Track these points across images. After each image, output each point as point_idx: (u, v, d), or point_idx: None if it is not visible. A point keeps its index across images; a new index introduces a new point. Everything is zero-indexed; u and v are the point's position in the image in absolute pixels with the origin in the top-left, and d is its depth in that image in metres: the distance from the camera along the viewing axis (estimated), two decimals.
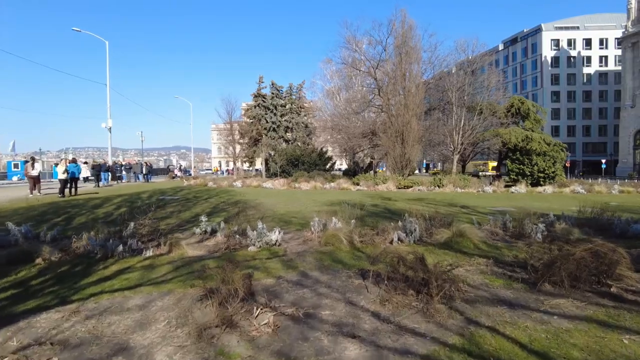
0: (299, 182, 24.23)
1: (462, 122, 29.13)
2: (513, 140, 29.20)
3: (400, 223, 7.97)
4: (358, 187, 22.85)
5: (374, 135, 30.61)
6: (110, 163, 34.15)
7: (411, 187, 23.78)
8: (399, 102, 27.02)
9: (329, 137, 40.82)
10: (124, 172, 29.38)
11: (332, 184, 23.07)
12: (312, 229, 7.93)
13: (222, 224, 7.84)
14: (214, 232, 7.78)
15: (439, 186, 23.97)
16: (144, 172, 27.75)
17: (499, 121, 31.76)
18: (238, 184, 24.46)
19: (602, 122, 74.02)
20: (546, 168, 27.41)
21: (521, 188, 24.20)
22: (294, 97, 48.79)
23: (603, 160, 54.27)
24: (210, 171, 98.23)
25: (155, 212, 11.53)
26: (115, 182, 28.48)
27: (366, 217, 11.02)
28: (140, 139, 46.30)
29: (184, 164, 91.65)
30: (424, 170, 76.64)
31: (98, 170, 23.24)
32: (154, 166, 56.16)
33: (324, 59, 63.30)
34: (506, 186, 25.40)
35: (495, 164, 54.66)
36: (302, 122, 47.55)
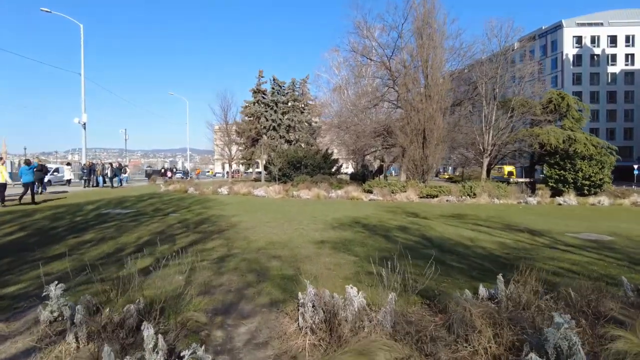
0: (298, 189, 19.81)
1: (494, 119, 24.57)
2: (552, 141, 24.59)
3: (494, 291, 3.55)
4: (371, 196, 18.40)
5: (388, 134, 26.14)
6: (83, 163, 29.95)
7: (436, 196, 19.30)
8: (420, 94, 22.55)
9: (334, 137, 36.36)
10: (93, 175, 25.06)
11: (339, 191, 18.63)
12: (304, 315, 3.45)
13: (81, 308, 3.36)
14: (72, 321, 3.33)
15: (469, 195, 19.48)
16: (109, 174, 23.12)
17: (532, 119, 27.19)
18: (224, 190, 20.09)
19: (628, 125, 69.03)
20: (592, 174, 22.85)
21: (570, 199, 19.67)
22: (296, 93, 44.45)
23: (635, 166, 49.35)
24: (219, 174, 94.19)
25: (66, 240, 7.29)
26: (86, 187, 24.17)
27: (400, 259, 6.52)
28: (124, 138, 42.17)
29: (189, 166, 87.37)
30: (433, 175, 71.71)
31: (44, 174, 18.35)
32: (155, 167, 51.93)
33: (330, 49, 58.50)
34: (551, 196, 20.85)
35: (510, 168, 49.90)
36: (306, 121, 43.17)
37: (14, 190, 17.28)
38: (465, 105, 26.17)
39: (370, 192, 20.24)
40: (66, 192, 20.30)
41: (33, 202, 13.88)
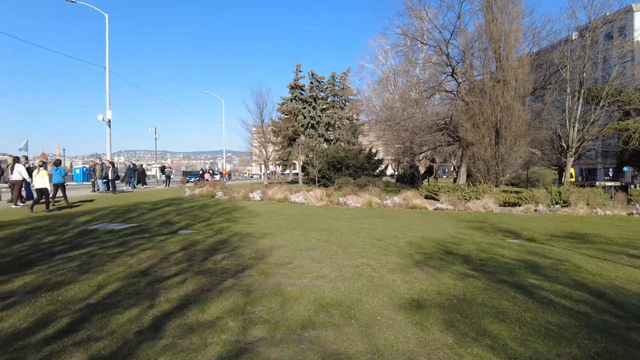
0: (343, 194, 16.34)
1: (579, 111, 20.07)
2: None
3: None
4: (437, 204, 14.62)
5: (454, 129, 22.21)
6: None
7: (518, 204, 15.29)
8: (492, 79, 18.53)
9: (380, 134, 32.62)
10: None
11: (396, 198, 14.96)
12: None
13: None
14: None
15: (560, 204, 15.31)
16: (109, 177, 19.85)
17: (626, 110, 22.41)
18: (256, 195, 16.93)
19: None
20: None
21: None
22: (337, 88, 41.06)
23: None
24: (256, 175, 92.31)
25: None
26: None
27: None
28: (154, 137, 40.22)
29: (228, 167, 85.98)
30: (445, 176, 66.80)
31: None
32: (186, 169, 50.31)
33: (376, 35, 54.13)
34: None
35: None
36: (347, 118, 39.68)
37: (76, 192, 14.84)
38: (550, 93, 21.71)
39: (433, 198, 16.48)
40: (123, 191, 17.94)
41: (47, 208, 12.21)
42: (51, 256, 6.11)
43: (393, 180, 33.49)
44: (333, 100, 41.13)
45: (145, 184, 29.15)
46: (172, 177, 34.14)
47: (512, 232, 9.36)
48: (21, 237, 7.70)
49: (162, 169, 36.55)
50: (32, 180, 13.22)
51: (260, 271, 5.43)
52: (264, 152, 36.86)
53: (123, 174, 27.47)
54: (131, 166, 26.37)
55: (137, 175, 28.83)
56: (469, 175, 23.48)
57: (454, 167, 44.71)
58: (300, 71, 42.23)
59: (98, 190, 20.26)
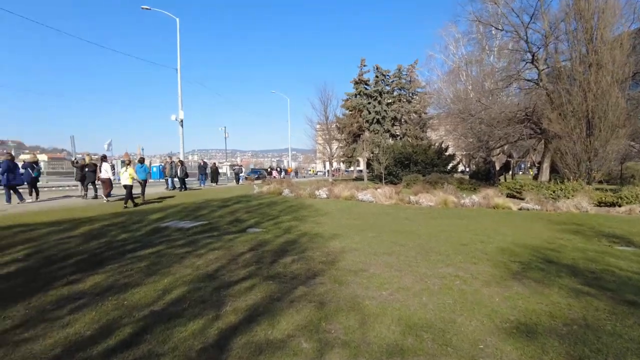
0: (415, 193, 15.40)
1: None
2: None
3: None
4: (522, 203, 13.21)
5: (536, 121, 20.28)
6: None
7: (618, 204, 13.38)
8: (583, 63, 16.50)
9: (451, 128, 30.87)
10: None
11: (475, 196, 13.73)
12: None
13: None
14: None
15: None
16: (178, 175, 20.40)
17: None
18: (322, 193, 16.54)
19: None
20: None
21: None
22: (403, 81, 39.63)
23: None
24: (320, 172, 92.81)
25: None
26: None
27: None
28: (224, 135, 41.51)
29: (293, 165, 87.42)
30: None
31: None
32: (248, 167, 51.65)
33: (446, 24, 51.64)
34: None
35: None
36: (414, 112, 38.15)
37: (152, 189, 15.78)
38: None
39: (516, 197, 14.99)
40: (192, 188, 18.88)
41: (125, 204, 12.76)
42: (123, 255, 6.07)
43: (466, 177, 31.58)
44: (399, 94, 39.75)
45: (217, 181, 30.11)
46: (241, 174, 35.07)
47: (620, 238, 7.99)
48: (99, 233, 7.88)
49: (232, 167, 37.86)
50: (112, 177, 14.07)
51: (333, 278, 4.90)
52: (329, 149, 36.54)
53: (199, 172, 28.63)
54: (201, 164, 27.28)
55: (211, 173, 29.93)
56: (552, 171, 21.33)
57: (533, 162, 41.36)
58: (364, 65, 41.34)
59: (168, 188, 21.10)
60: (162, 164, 28.12)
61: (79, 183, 15.49)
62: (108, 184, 14.45)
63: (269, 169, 56.13)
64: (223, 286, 4.57)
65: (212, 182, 29.50)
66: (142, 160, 16.12)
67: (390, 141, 37.58)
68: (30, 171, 13.40)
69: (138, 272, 5.11)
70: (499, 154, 33.08)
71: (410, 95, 39.83)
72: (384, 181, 26.85)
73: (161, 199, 15.83)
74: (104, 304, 3.98)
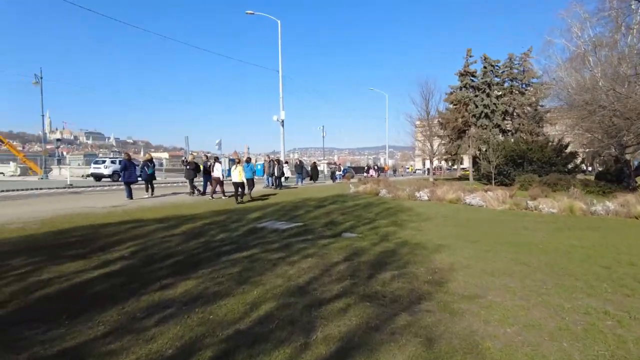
0: (533, 197, 13.52)
1: None
2: None
3: None
4: None
5: None
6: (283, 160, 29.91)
7: None
8: None
9: (574, 122, 27.06)
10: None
11: (608, 203, 11.50)
12: None
13: None
14: None
15: None
16: (275, 173, 20.83)
17: None
18: (423, 194, 15.41)
19: None
20: None
21: None
22: (515, 71, 35.97)
23: None
24: (419, 170, 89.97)
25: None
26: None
27: None
28: (322, 135, 41.87)
29: (390, 162, 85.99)
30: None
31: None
32: (350, 165, 51.75)
33: (569, 4, 45.60)
34: None
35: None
36: (528, 104, 34.36)
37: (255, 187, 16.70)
38: None
39: None
40: (290, 187, 19.86)
41: (239, 201, 13.78)
42: (218, 257, 5.97)
43: (590, 178, 27.50)
44: (511, 86, 36.17)
45: (317, 179, 30.46)
46: (339, 173, 35.20)
47: None
48: (199, 232, 8.04)
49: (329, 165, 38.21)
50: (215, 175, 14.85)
51: (442, 305, 4.12)
52: (429, 146, 34.72)
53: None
54: (298, 163, 27.71)
55: (310, 171, 30.45)
56: None
57: None
58: (470, 56, 38.45)
59: (266, 186, 21.72)
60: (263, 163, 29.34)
61: (187, 180, 16.62)
62: (218, 182, 15.41)
63: (366, 167, 55.62)
64: (314, 304, 4.08)
65: (311, 180, 29.95)
66: (248, 160, 17.03)
67: (501, 137, 34.40)
68: (146, 169, 14.64)
69: (229, 280, 4.88)
70: (634, 152, 28.17)
71: (524, 86, 36.01)
72: (493, 182, 24.53)
73: (265, 196, 16.38)
74: (189, 317, 3.74)
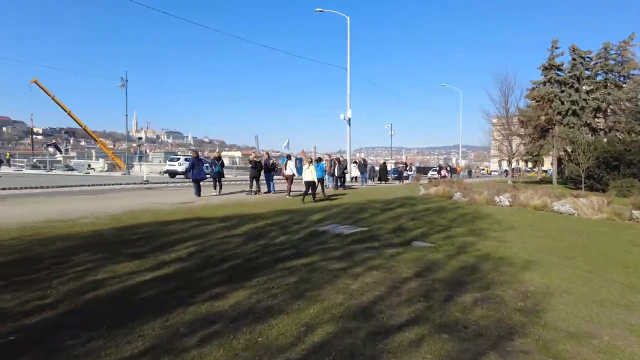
0: (636, 205, 11.61)
1: None
2: None
3: None
4: None
5: None
6: (347, 159, 29.36)
7: None
8: None
9: None
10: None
11: None
12: None
13: None
14: None
15: None
16: (336, 173, 20.12)
17: None
18: (504, 199, 13.94)
19: None
20: None
21: None
22: (611, 62, 32.09)
23: None
24: (494, 172, 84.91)
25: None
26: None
27: None
28: (390, 133, 40.52)
29: (463, 163, 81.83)
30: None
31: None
32: (414, 165, 50.01)
33: None
34: None
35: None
36: (627, 99, 30.42)
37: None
38: None
39: None
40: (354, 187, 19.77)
41: (313, 199, 14.02)
42: (275, 263, 5.51)
43: None
44: (605, 79, 32.33)
45: (387, 180, 29.44)
46: (410, 173, 34.02)
47: None
48: (259, 233, 7.70)
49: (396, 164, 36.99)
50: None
51: (541, 344, 3.26)
52: (508, 146, 32.11)
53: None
54: (361, 162, 26.83)
55: (379, 171, 29.60)
56: None
57: None
58: (556, 47, 34.99)
59: (331, 186, 21.28)
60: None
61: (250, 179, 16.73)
62: (291, 180, 15.49)
63: (437, 168, 53.34)
64: (380, 332, 3.42)
65: (379, 180, 29.10)
66: (319, 160, 17.04)
67: (590, 137, 30.88)
68: (213, 167, 14.87)
69: (284, 292, 4.37)
70: None
71: (621, 79, 32.02)
72: (583, 186, 21.95)
73: (334, 196, 16.08)
74: (236, 338, 3.26)
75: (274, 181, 17.05)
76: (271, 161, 16.57)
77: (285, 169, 15.94)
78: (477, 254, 6.54)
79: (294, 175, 15.73)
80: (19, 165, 41.54)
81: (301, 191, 14.62)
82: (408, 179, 32.79)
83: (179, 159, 30.24)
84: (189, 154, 16.06)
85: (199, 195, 14.33)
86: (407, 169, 35.07)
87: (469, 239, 7.73)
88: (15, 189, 17.27)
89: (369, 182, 28.28)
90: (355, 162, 28.15)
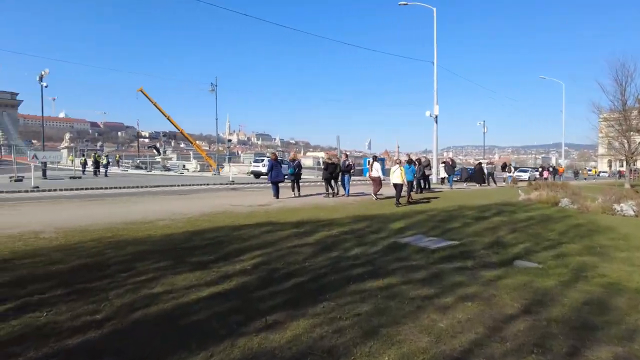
0: None
1: None
2: None
3: None
4: None
5: None
6: (434, 160, 27.59)
7: None
8: None
9: None
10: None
11: None
12: None
13: None
14: None
15: None
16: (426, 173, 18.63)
17: None
18: (627, 208, 11.55)
19: None
20: None
21: None
22: None
23: None
24: (604, 173, 75.50)
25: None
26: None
27: None
28: (483, 130, 37.37)
29: (565, 163, 73.82)
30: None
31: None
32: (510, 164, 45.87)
33: None
34: None
35: None
36: None
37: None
38: None
39: None
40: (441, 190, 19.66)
41: (408, 201, 13.66)
42: (346, 283, 4.73)
43: None
44: None
45: (484, 182, 27.05)
46: (511, 174, 31.19)
47: None
48: (332, 243, 6.98)
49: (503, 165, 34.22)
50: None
51: None
52: (626, 144, 27.74)
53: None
54: (450, 163, 24.71)
55: (475, 173, 27.54)
56: None
57: None
58: None
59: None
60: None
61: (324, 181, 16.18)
62: (378, 182, 14.82)
63: (538, 168, 48.44)
64: None
65: (473, 183, 27.03)
66: (410, 161, 16.21)
67: None
68: (292, 169, 14.59)
69: (353, 326, 3.56)
70: None
71: None
72: None
73: (427, 199, 15.34)
74: None
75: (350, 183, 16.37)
76: (347, 162, 15.80)
77: (372, 170, 15.34)
78: (602, 281, 5.14)
79: (380, 177, 14.95)
80: (125, 166, 46.00)
81: (385, 195, 13.82)
82: (505, 182, 29.99)
83: (262, 160, 30.96)
84: (269, 155, 16.09)
85: (277, 197, 14.11)
86: (507, 169, 32.06)
87: (587, 260, 6.24)
88: (116, 188, 18.72)
89: (464, 184, 26.26)
90: (443, 163, 26.22)
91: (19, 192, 16.29)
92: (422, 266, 5.61)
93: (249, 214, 10.45)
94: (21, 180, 21.08)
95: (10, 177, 22.07)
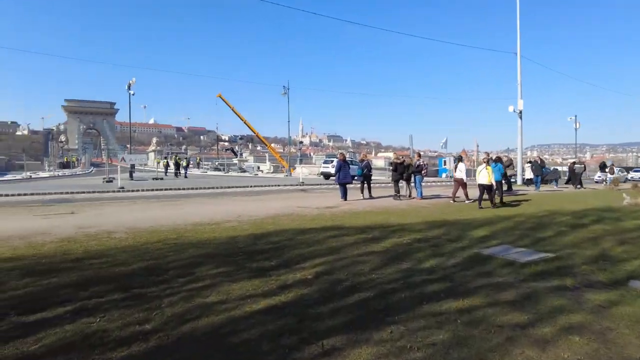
0: None
1: None
2: None
3: None
4: None
5: None
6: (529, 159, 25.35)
7: None
8: None
9: None
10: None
11: None
12: None
13: None
14: None
15: None
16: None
17: None
18: None
19: None
20: None
21: None
22: None
23: None
24: None
25: None
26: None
27: None
28: (574, 126, 33.53)
29: None
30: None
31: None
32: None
33: None
34: None
35: None
36: None
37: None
38: None
39: None
40: (526, 193, 18.42)
41: (495, 203, 12.77)
42: (419, 303, 4.07)
43: None
44: None
45: (581, 184, 24.20)
46: (605, 176, 27.91)
47: None
48: (404, 252, 6.30)
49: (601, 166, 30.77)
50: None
51: None
52: None
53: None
54: (537, 162, 22.29)
55: (568, 174, 25.03)
56: None
57: None
58: None
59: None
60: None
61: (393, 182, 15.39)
62: (461, 185, 14.16)
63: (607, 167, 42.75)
64: None
65: (567, 183, 24.48)
66: (497, 160, 15.15)
67: None
68: (360, 170, 14.06)
69: (426, 359, 2.94)
70: None
71: None
72: None
73: (516, 202, 14.20)
74: None
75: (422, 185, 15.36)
76: (418, 163, 14.83)
77: (455, 171, 14.58)
78: None
79: (464, 179, 14.15)
80: (205, 168, 48.66)
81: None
82: (604, 183, 26.73)
83: (332, 161, 30.72)
84: (337, 156, 15.70)
85: (345, 199, 13.64)
86: (607, 169, 28.61)
87: None
88: (192, 189, 19.53)
89: (554, 186, 23.78)
90: (529, 162, 23.89)
91: (107, 192, 17.66)
92: (510, 284, 4.75)
93: (315, 216, 10.08)
94: (111, 182, 22.91)
95: (104, 179, 24.18)
